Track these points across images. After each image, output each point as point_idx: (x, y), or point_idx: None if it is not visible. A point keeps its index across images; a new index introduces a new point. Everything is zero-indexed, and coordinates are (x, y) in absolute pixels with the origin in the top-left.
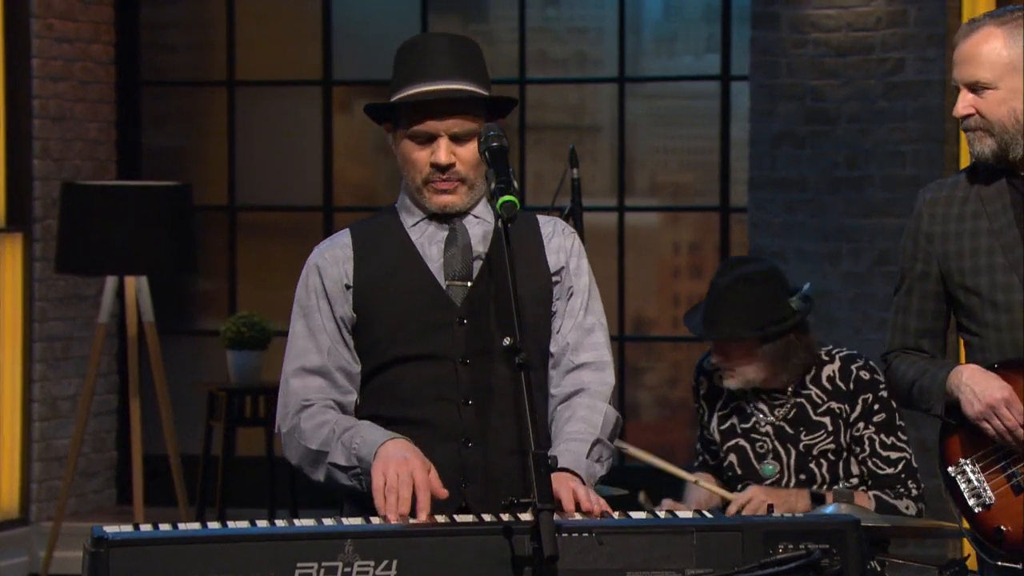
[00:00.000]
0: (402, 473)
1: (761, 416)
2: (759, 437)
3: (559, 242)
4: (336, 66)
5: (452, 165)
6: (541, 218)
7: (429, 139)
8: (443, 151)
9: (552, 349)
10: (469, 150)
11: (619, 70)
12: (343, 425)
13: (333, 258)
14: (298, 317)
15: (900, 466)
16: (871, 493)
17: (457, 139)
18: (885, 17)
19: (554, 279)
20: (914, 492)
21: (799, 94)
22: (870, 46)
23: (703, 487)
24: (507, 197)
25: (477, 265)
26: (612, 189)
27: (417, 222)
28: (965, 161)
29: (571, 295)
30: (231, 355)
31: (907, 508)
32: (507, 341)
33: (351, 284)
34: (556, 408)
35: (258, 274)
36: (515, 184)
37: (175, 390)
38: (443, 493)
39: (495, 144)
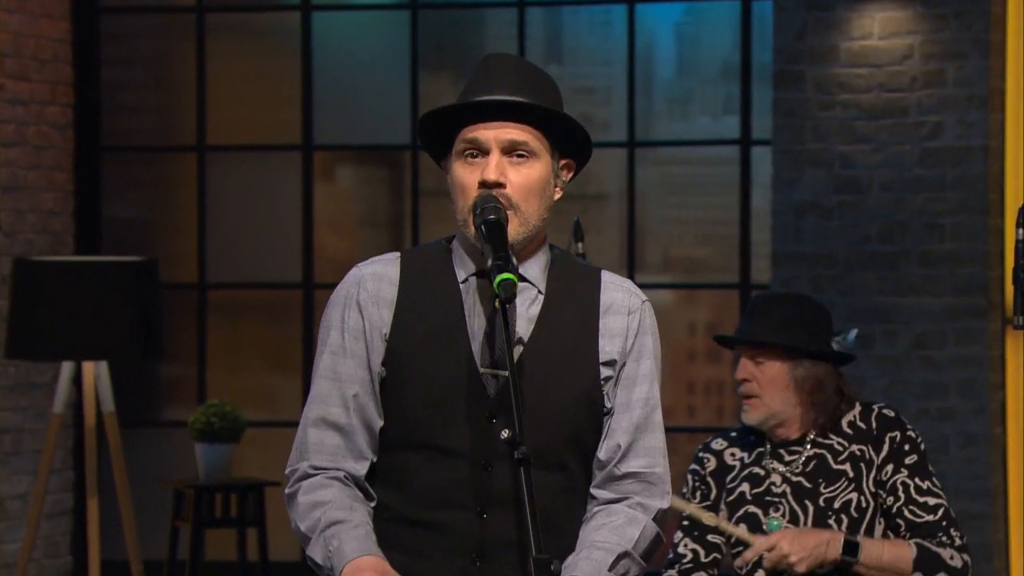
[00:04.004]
0: None
1: (776, 475)
2: (773, 499)
3: (618, 322)
4: (317, 130)
5: (501, 185)
6: (606, 279)
7: (480, 153)
8: (492, 167)
9: (600, 455)
10: (524, 175)
11: (628, 133)
12: (330, 518)
13: (376, 295)
14: (328, 353)
15: (940, 513)
16: (912, 540)
17: (513, 157)
18: (921, 77)
19: (604, 372)
20: (958, 542)
21: (827, 160)
22: (905, 108)
23: (729, 529)
24: (505, 275)
25: (517, 352)
26: (621, 264)
27: (467, 278)
28: (1010, 234)
29: (628, 385)
30: (200, 448)
31: (952, 559)
32: (505, 434)
33: (388, 337)
34: (589, 511)
35: (230, 359)
36: (514, 260)
37: (137, 487)
38: None
39: (492, 217)
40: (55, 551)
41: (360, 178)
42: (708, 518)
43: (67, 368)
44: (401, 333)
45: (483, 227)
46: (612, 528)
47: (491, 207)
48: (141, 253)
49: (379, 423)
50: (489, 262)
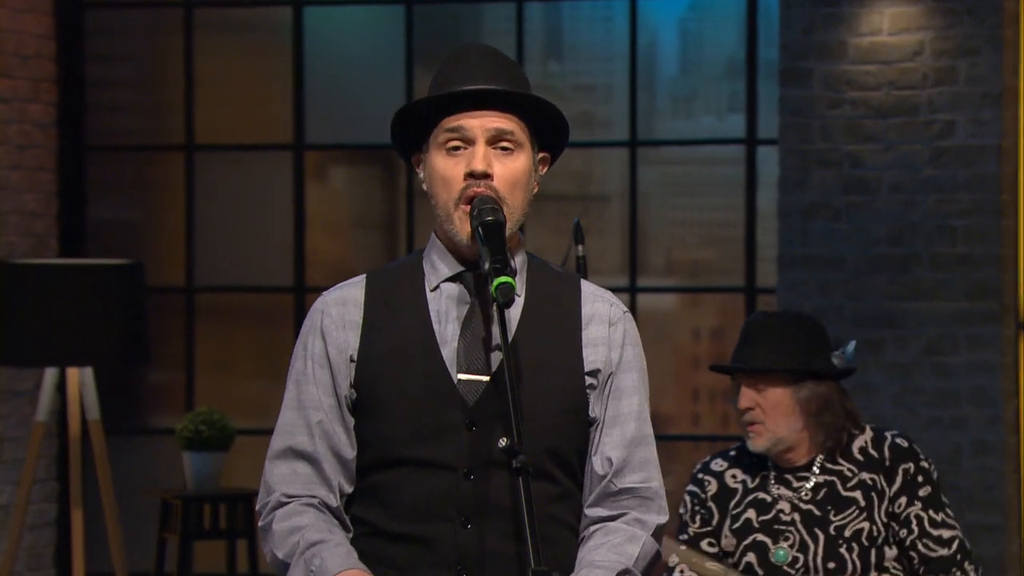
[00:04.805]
0: None
1: (784, 502)
2: (783, 527)
3: (601, 332)
4: (309, 128)
5: (489, 176)
6: (587, 290)
7: (464, 144)
8: (479, 157)
9: (595, 470)
10: (510, 167)
11: (630, 133)
12: (309, 539)
13: (341, 319)
14: (292, 383)
15: (954, 546)
16: None
17: (497, 149)
18: (932, 74)
19: (588, 380)
20: (972, 575)
21: (835, 160)
22: (916, 106)
23: None
24: (503, 279)
25: (498, 356)
26: (623, 267)
27: (439, 284)
28: None
29: (617, 397)
30: (188, 457)
31: None
32: (503, 442)
33: (355, 358)
34: (587, 530)
35: (219, 365)
36: (512, 263)
37: (123, 498)
38: None
39: (489, 218)
40: (38, 564)
41: (353, 178)
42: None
43: (51, 374)
44: (369, 352)
45: (480, 228)
46: (611, 547)
47: (488, 208)
48: (127, 256)
49: (349, 452)
50: (486, 265)
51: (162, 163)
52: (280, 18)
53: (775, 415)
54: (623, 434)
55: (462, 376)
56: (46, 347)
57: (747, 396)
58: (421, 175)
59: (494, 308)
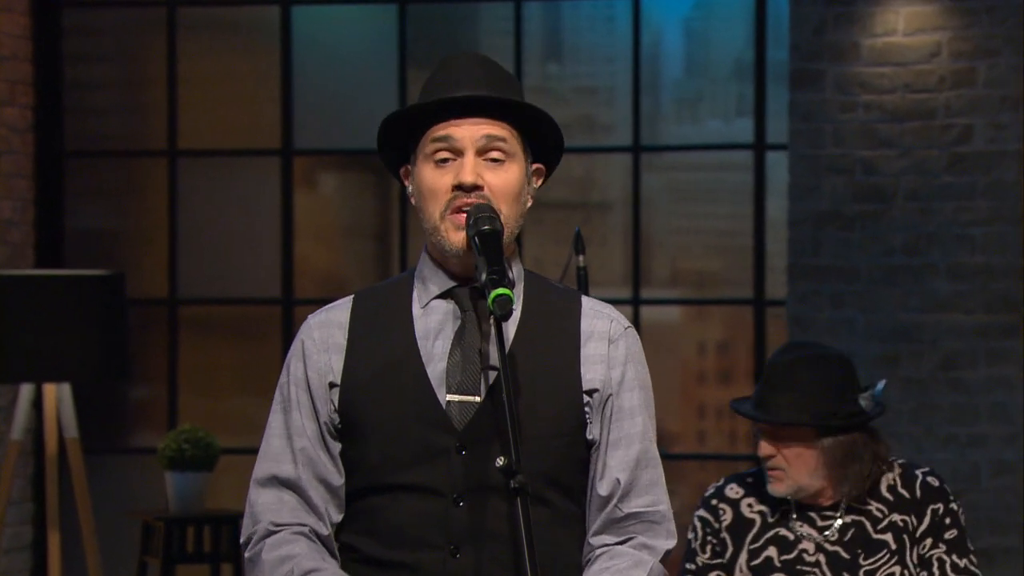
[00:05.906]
0: None
1: (808, 542)
2: (807, 568)
3: (600, 349)
4: (298, 133)
5: (479, 188)
6: (587, 305)
7: (452, 155)
8: (468, 169)
9: (600, 493)
10: (501, 177)
11: (634, 137)
12: (303, 568)
13: (323, 342)
14: (277, 407)
15: None
16: None
17: (487, 160)
18: (950, 76)
19: (585, 400)
20: None
21: (847, 166)
22: (932, 110)
23: None
24: (500, 290)
25: (490, 375)
26: (626, 278)
27: (429, 302)
28: None
29: (619, 419)
30: (170, 477)
31: None
32: (500, 461)
33: (337, 382)
34: (591, 555)
35: (203, 381)
36: (510, 275)
37: (103, 520)
38: None
39: (486, 227)
40: None
41: (344, 185)
42: None
43: (26, 391)
44: (352, 377)
45: (476, 238)
46: (615, 571)
47: (485, 216)
48: (107, 266)
49: (337, 479)
50: (483, 276)
51: (144, 169)
52: (267, 17)
53: (797, 465)
54: (628, 455)
55: (451, 397)
56: (22, 362)
57: (768, 446)
58: (409, 188)
59: (491, 322)
